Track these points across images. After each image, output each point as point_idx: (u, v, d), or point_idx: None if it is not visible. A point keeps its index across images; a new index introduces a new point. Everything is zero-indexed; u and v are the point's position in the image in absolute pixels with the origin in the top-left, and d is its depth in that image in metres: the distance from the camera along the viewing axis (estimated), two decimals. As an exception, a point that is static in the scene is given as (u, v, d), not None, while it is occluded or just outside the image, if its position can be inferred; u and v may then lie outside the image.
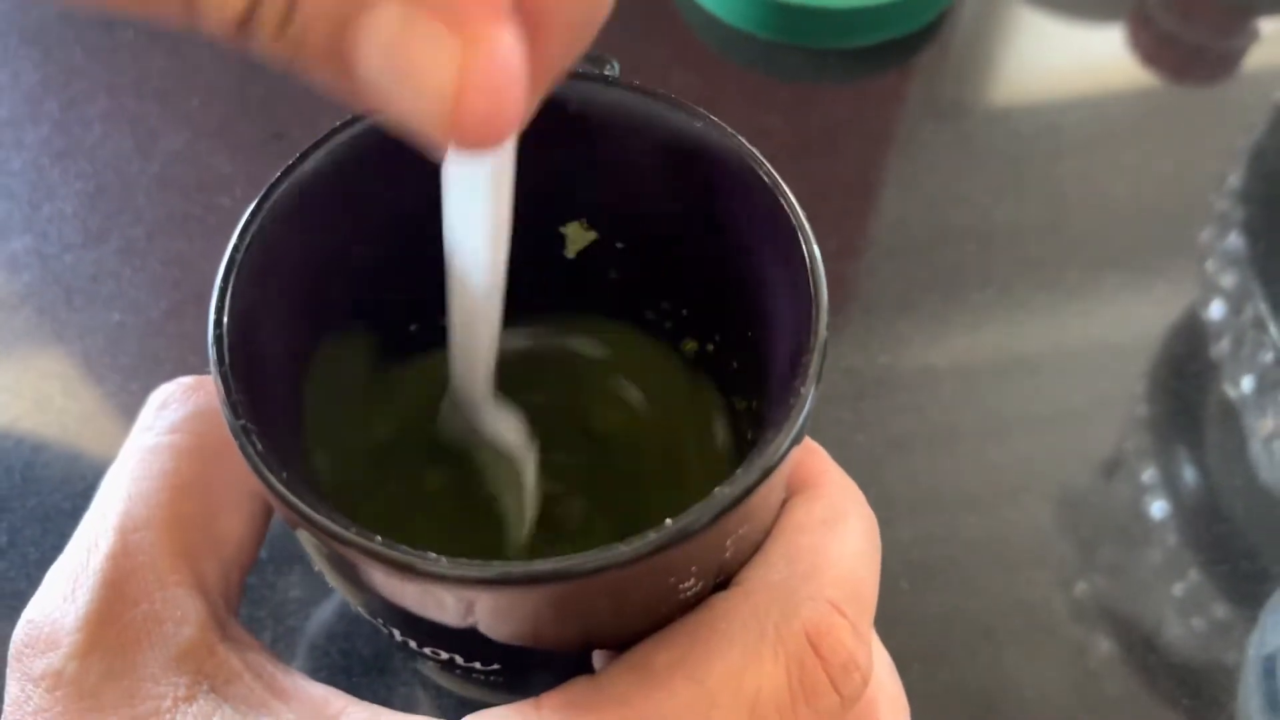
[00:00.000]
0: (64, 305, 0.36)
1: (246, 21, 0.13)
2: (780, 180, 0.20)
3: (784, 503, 0.20)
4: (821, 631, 0.18)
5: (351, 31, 0.13)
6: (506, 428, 0.21)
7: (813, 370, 0.18)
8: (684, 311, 0.24)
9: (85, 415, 0.35)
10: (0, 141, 0.40)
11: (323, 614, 0.31)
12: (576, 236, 0.23)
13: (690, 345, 0.24)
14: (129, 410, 0.35)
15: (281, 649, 0.30)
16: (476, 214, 0.17)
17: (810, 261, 0.19)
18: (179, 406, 0.20)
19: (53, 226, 0.38)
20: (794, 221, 0.19)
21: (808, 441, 0.21)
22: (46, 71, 0.42)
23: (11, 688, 0.18)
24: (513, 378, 0.21)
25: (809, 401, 0.18)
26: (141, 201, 0.39)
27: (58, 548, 0.19)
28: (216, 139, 0.40)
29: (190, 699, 0.17)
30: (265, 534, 0.21)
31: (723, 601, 0.18)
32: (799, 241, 0.19)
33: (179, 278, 0.37)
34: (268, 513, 0.21)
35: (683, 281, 0.23)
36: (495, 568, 0.16)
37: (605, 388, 0.25)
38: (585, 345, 0.25)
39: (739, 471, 0.17)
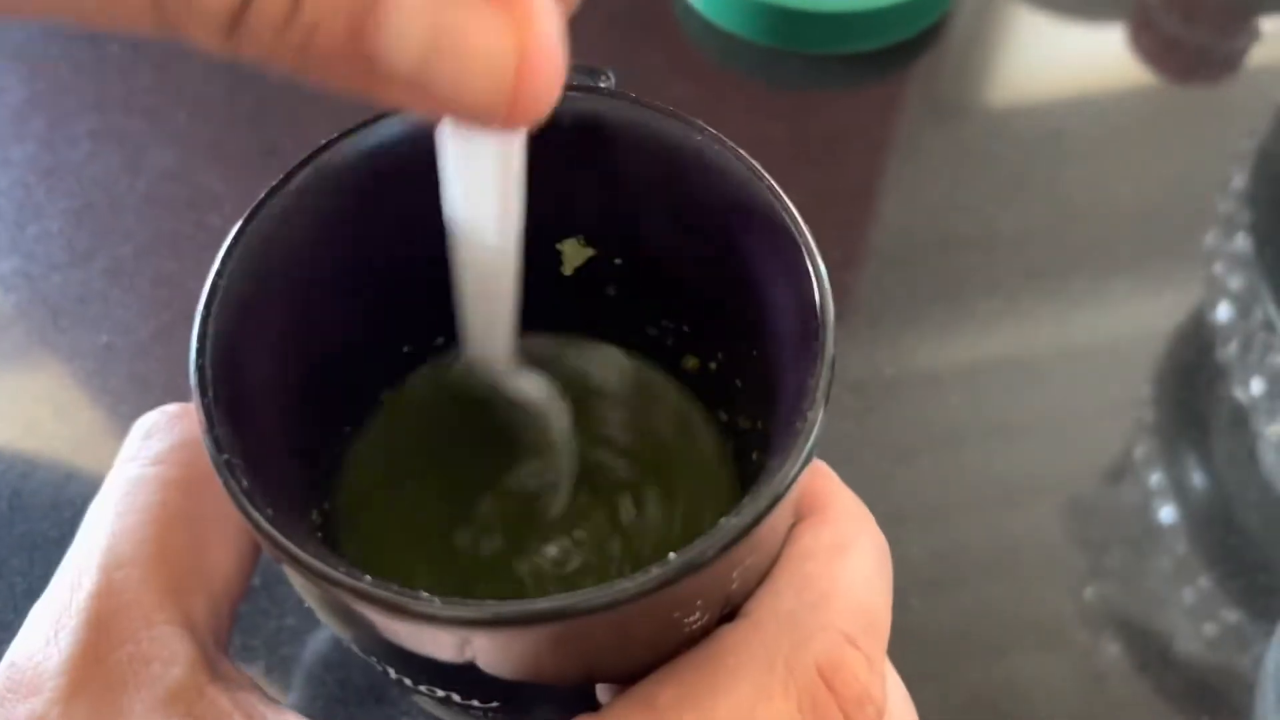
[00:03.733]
0: (51, 327, 0.36)
1: (237, 23, 0.12)
2: (782, 193, 0.19)
3: (792, 527, 0.20)
4: (834, 664, 0.17)
5: (373, 22, 0.12)
6: (531, 387, 0.21)
7: (820, 393, 0.17)
8: (685, 328, 0.24)
9: (75, 440, 0.34)
10: (-14, 161, 0.40)
11: (317, 643, 0.30)
12: (573, 253, 0.23)
13: (692, 362, 0.24)
14: (119, 434, 0.33)
15: (276, 678, 0.30)
16: (489, 177, 0.16)
17: (816, 279, 0.18)
18: (164, 436, 0.20)
19: (39, 246, 0.38)
20: (796, 236, 0.19)
21: (816, 463, 0.20)
22: (33, 88, 0.42)
23: None
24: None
25: (817, 426, 0.17)
26: (130, 220, 0.38)
27: (45, 577, 0.19)
28: (206, 155, 0.40)
29: None
30: (255, 567, 0.20)
31: (730, 634, 0.18)
32: (802, 257, 0.19)
33: (168, 298, 0.36)
34: (258, 546, 0.20)
35: (684, 298, 0.23)
36: (489, 608, 0.15)
37: (603, 410, 0.24)
38: (582, 366, 0.25)
39: (745, 500, 0.16)
